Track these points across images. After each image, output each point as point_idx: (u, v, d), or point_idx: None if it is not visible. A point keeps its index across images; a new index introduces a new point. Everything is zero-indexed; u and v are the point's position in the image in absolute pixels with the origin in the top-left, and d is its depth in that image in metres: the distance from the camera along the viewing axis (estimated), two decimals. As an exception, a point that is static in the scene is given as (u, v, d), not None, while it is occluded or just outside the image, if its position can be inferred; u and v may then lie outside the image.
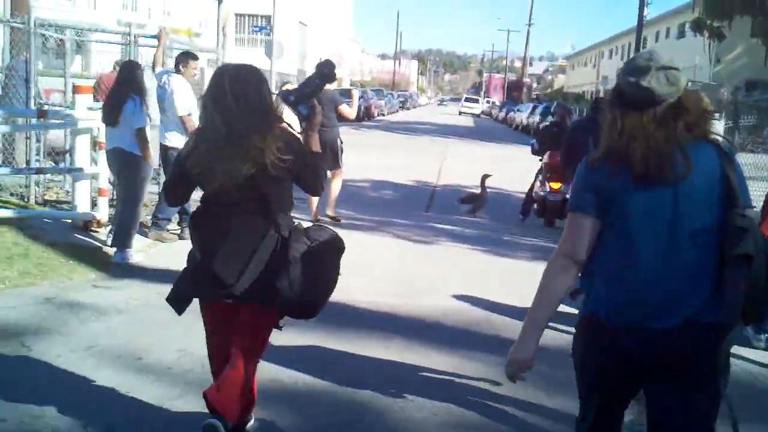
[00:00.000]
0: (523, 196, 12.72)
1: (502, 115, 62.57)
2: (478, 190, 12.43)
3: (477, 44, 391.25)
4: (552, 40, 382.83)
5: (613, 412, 2.91)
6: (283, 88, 4.37)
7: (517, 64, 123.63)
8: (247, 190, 3.50)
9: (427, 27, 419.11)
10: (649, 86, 2.55)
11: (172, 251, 7.83)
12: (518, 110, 51.41)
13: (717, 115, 20.32)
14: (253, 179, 3.46)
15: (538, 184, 11.95)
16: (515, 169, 20.56)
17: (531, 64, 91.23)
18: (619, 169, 2.57)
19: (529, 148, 13.24)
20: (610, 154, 2.62)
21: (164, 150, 8.42)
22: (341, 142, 10.29)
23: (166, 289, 3.82)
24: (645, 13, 50.88)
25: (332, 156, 9.97)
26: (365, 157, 20.40)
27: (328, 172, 10.51)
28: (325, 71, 4.03)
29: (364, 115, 42.81)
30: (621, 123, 2.60)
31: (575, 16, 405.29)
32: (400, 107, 67.09)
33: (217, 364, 3.77)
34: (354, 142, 20.10)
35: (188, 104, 8.27)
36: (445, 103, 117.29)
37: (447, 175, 18.27)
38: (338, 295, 3.95)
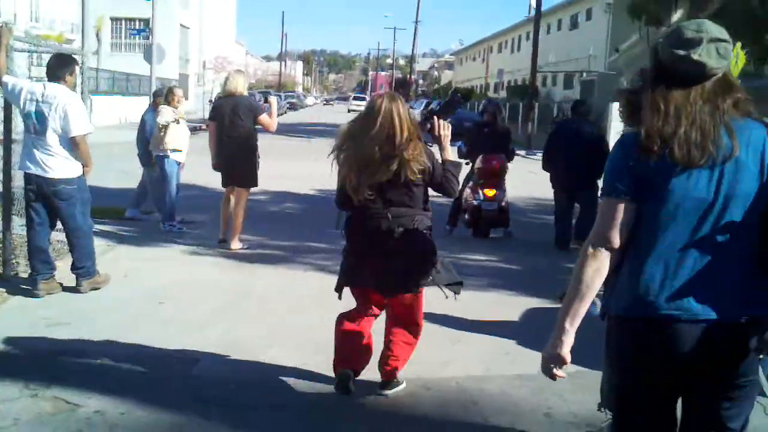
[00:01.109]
0: (447, 204, 11.18)
1: (393, 112, 61.56)
2: None
3: (361, 43, 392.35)
4: (434, 38, 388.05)
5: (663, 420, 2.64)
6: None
7: (401, 61, 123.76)
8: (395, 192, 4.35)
9: (311, 27, 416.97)
10: (700, 59, 2.39)
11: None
12: (411, 107, 50.25)
13: (616, 105, 19.22)
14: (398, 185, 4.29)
15: (468, 191, 10.44)
16: None
17: (416, 61, 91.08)
18: (660, 150, 2.40)
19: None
20: (649, 135, 2.42)
21: (28, 181, 6.45)
22: (258, 156, 8.85)
23: None
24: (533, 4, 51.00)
25: (244, 173, 8.76)
26: (267, 163, 18.58)
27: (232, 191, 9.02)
28: (450, 104, 5.32)
29: (253, 119, 40.66)
30: (665, 101, 2.41)
31: (457, 13, 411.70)
32: (288, 108, 65.39)
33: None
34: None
35: (86, 122, 6.43)
36: (331, 102, 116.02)
37: (353, 182, 16.58)
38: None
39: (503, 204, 10.25)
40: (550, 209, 10.49)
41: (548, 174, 10.09)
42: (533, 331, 5.94)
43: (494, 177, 10.26)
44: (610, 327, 2.63)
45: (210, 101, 40.69)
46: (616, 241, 2.50)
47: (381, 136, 4.31)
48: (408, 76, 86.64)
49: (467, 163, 10.86)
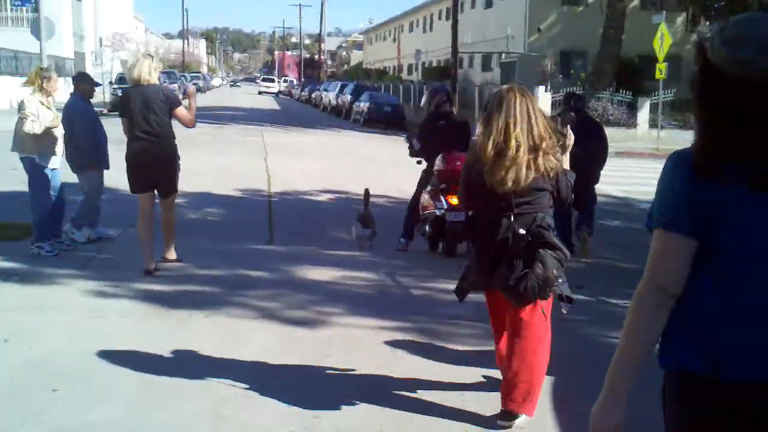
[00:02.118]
0: (401, 211, 9.75)
1: (305, 95, 59.86)
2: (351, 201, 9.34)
3: (265, 21, 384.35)
4: (340, 17, 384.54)
5: None
6: None
7: (307, 41, 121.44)
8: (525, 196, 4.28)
9: (213, 4, 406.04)
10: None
11: None
12: (325, 90, 48.60)
13: (542, 88, 18.17)
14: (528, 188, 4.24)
15: (425, 197, 8.96)
16: (366, 168, 17.90)
17: (324, 41, 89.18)
18: (727, 173, 1.98)
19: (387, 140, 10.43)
20: (710, 154, 2.00)
21: None
22: (179, 159, 7.68)
23: None
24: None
25: (165, 177, 7.50)
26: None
27: (156, 201, 7.64)
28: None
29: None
30: (727, 114, 1.97)
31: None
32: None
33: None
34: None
35: None
36: (238, 84, 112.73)
37: (279, 179, 14.93)
38: None
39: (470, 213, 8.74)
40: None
41: None
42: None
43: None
44: (676, 386, 2.17)
45: (111, 83, 38.18)
46: (678, 285, 2.11)
47: (523, 129, 4.21)
48: (318, 56, 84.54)
49: (418, 162, 9.42)
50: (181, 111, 7.35)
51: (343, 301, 6.73)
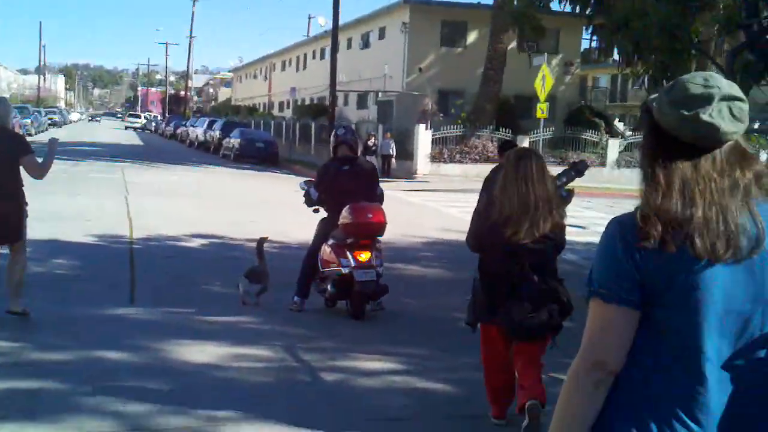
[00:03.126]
0: (286, 259, 8.22)
1: (170, 130, 57.23)
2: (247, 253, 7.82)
3: (128, 58, 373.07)
4: (207, 56, 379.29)
5: None
6: None
7: (172, 77, 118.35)
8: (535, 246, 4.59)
9: (73, 40, 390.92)
10: (712, 121, 1.91)
11: None
12: (192, 125, 46.36)
13: (422, 126, 17.49)
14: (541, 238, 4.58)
15: (327, 250, 7.48)
16: (241, 209, 16.11)
17: (191, 78, 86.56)
18: (669, 241, 1.89)
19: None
20: (649, 220, 1.91)
21: None
22: (26, 204, 6.80)
23: None
24: (322, 23, 48.90)
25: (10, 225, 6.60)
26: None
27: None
28: (580, 168, 6.76)
29: (7, 138, 35.02)
30: (667, 175, 1.93)
31: (231, 33, 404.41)
32: (50, 125, 58.80)
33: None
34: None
35: None
36: (98, 119, 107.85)
37: (142, 223, 12.99)
38: None
39: (380, 270, 7.39)
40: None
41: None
42: None
43: (371, 235, 7.43)
44: None
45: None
46: (618, 361, 1.94)
47: (541, 186, 4.58)
48: (184, 92, 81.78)
49: (315, 211, 7.98)
50: (29, 160, 6.51)
51: (234, 399, 5.02)
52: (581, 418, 1.96)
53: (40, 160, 6.72)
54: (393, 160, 26.68)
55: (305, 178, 8.49)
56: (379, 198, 7.84)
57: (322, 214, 7.91)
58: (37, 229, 11.62)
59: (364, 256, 7.22)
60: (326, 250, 7.50)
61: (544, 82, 25.38)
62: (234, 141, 32.49)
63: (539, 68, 25.57)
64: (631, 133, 33.36)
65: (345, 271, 7.18)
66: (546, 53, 25.99)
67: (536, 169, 4.60)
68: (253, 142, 31.98)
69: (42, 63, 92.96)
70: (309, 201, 7.82)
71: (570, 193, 6.24)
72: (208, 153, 37.44)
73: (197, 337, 6.27)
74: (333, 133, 8.18)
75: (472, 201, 14.23)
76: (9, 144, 6.46)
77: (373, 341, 6.59)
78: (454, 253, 12.11)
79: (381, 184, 8.13)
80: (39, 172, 6.65)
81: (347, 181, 7.53)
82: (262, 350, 5.96)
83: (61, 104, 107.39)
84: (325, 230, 7.68)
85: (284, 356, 5.91)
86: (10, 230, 6.56)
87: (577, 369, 1.97)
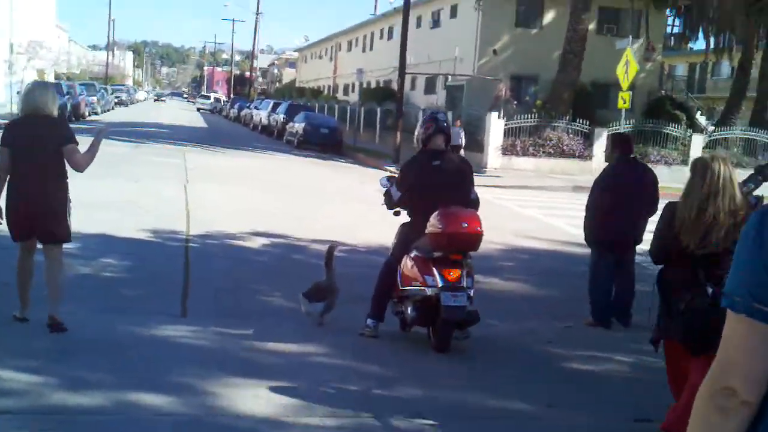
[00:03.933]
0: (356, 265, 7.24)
1: (233, 112, 56.87)
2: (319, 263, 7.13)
3: (196, 36, 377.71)
4: (273, 35, 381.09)
5: None
6: None
7: (237, 57, 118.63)
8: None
9: (142, 17, 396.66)
10: None
11: None
12: (256, 108, 45.73)
13: (495, 114, 16.07)
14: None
15: (409, 264, 6.35)
16: (307, 202, 14.87)
17: (256, 57, 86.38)
18: None
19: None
20: None
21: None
22: (70, 201, 6.20)
23: None
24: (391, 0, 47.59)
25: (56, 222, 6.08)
26: (73, 183, 13.99)
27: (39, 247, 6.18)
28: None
29: (71, 115, 34.91)
30: None
31: (298, 11, 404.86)
32: (117, 104, 59.05)
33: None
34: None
35: None
36: (163, 98, 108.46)
37: (200, 216, 12.13)
38: None
39: (471, 292, 6.12)
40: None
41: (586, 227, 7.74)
42: None
43: (464, 249, 6.18)
44: None
45: (18, 93, 34.61)
46: (758, 386, 1.63)
47: (725, 196, 4.37)
48: (249, 73, 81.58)
49: (396, 214, 6.86)
50: (71, 150, 6.02)
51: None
52: None
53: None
54: (462, 151, 25.43)
55: (386, 174, 7.38)
56: (474, 203, 6.56)
57: (404, 216, 6.76)
58: (89, 219, 10.90)
59: (455, 274, 5.94)
60: (408, 263, 6.29)
61: (627, 68, 23.73)
62: (298, 126, 31.58)
63: (621, 53, 24.07)
64: (714, 128, 31.43)
65: (429, 292, 5.96)
66: (630, 37, 24.24)
67: (723, 175, 4.37)
68: (317, 127, 31.03)
69: (111, 39, 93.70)
70: (389, 202, 6.65)
71: (759, 201, 5.71)
72: (271, 137, 36.68)
73: (253, 375, 5.26)
74: (425, 118, 6.76)
75: (550, 200, 12.72)
76: (51, 132, 6.05)
77: (465, 386, 5.50)
78: (538, 264, 10.96)
79: None
80: (81, 163, 6.08)
81: (437, 180, 6.30)
82: (332, 400, 4.91)
83: (129, 82, 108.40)
84: (407, 238, 6.43)
85: (360, 413, 4.75)
86: (60, 228, 6.09)
87: (702, 394, 1.72)
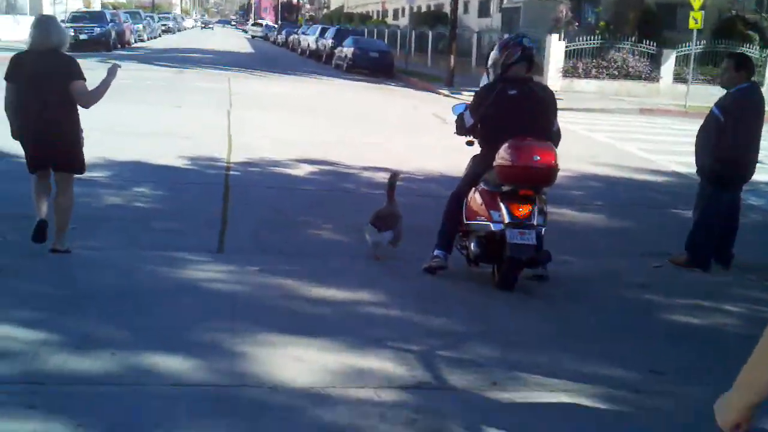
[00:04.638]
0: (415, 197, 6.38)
1: (281, 38, 55.59)
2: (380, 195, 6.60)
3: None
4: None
5: None
6: None
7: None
8: None
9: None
10: None
11: None
12: (303, 33, 44.41)
13: (555, 36, 14.80)
14: None
15: (476, 198, 5.57)
16: (359, 128, 13.81)
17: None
18: None
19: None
20: None
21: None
22: (82, 131, 5.92)
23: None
24: None
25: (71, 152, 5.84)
26: (111, 109, 13.23)
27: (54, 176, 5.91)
28: None
29: (116, 42, 34.19)
30: None
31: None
32: (163, 31, 58.23)
33: None
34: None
35: None
36: (210, 26, 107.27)
37: (242, 143, 11.26)
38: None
39: (542, 230, 5.42)
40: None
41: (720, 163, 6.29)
42: None
43: (536, 183, 5.42)
44: None
45: (62, 22, 33.96)
46: None
47: None
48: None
49: (469, 144, 6.04)
50: (78, 86, 5.74)
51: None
52: None
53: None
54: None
55: (457, 102, 6.45)
56: (555, 136, 5.86)
57: (477, 148, 6.02)
58: (125, 146, 10.15)
59: (523, 210, 5.29)
60: (475, 197, 5.62)
61: (695, -8, 22.04)
62: (347, 50, 30.37)
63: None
64: (789, 48, 29.28)
65: (495, 228, 5.31)
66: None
67: None
68: (366, 51, 29.77)
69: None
70: (461, 128, 5.97)
71: None
72: (319, 62, 35.51)
73: (294, 331, 4.36)
74: (507, 42, 5.95)
75: (618, 124, 11.29)
76: (57, 67, 5.79)
77: (545, 344, 4.56)
78: (611, 193, 9.89)
79: None
80: (87, 99, 5.79)
81: (513, 111, 5.61)
82: (388, 365, 4.00)
83: (177, 11, 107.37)
84: (477, 170, 5.79)
85: (422, 381, 3.91)
86: (74, 159, 5.91)
87: None
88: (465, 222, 5.70)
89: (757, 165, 6.53)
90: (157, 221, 6.96)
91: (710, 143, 6.29)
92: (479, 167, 5.75)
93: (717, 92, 6.88)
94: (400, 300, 5.12)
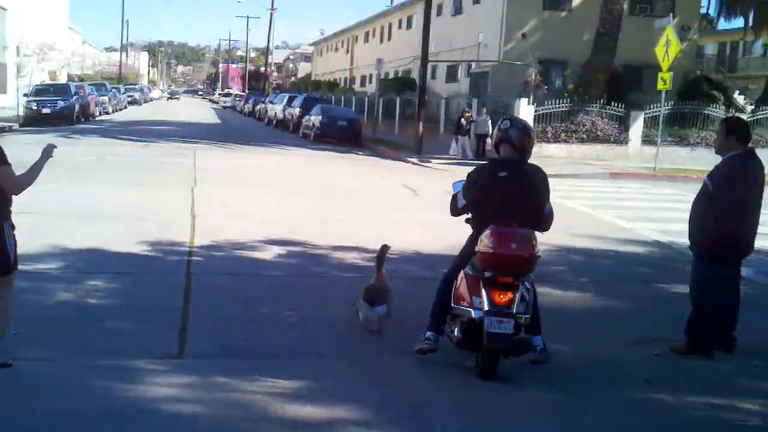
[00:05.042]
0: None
1: (248, 107, 55.55)
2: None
3: (210, 35, 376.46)
4: (287, 31, 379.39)
5: None
6: None
7: (252, 54, 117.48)
8: None
9: (158, 17, 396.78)
10: None
11: None
12: (271, 102, 44.27)
13: (525, 100, 14.55)
14: None
15: (461, 281, 5.44)
16: (332, 203, 12.99)
17: (271, 52, 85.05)
18: None
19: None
20: None
21: None
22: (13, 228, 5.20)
23: None
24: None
25: None
26: (67, 189, 12.61)
27: None
28: None
29: (80, 115, 33.73)
30: None
31: (311, 3, 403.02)
32: (129, 103, 58.02)
33: None
34: (50, 162, 9.75)
35: None
36: (177, 96, 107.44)
37: (207, 223, 10.71)
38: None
39: (524, 319, 5.17)
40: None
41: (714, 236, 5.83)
42: None
43: (511, 272, 5.14)
44: None
45: (25, 96, 33.46)
46: None
47: None
48: (264, 68, 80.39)
49: (468, 221, 5.82)
50: (3, 174, 5.09)
51: None
52: None
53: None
54: (489, 139, 23.85)
55: (458, 179, 6.09)
56: (545, 219, 5.63)
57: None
58: (82, 232, 9.53)
59: (504, 297, 5.06)
60: (461, 280, 5.41)
61: (668, 47, 22.17)
62: (315, 119, 30.11)
63: (655, 33, 22.41)
64: (753, 107, 29.58)
65: (475, 315, 5.16)
66: (671, 14, 22.60)
67: None
68: (335, 120, 29.53)
69: (125, 39, 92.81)
70: (454, 209, 5.87)
71: None
72: (287, 132, 35.22)
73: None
74: (498, 125, 5.80)
75: (589, 190, 10.87)
76: None
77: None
78: (594, 268, 9.48)
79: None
80: (13, 186, 5.16)
81: (502, 193, 5.45)
82: None
83: (144, 81, 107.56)
84: (468, 251, 5.59)
85: None
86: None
87: None
88: (452, 305, 5.44)
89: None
90: (112, 321, 6.35)
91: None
92: (470, 248, 5.50)
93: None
94: (381, 416, 4.54)
